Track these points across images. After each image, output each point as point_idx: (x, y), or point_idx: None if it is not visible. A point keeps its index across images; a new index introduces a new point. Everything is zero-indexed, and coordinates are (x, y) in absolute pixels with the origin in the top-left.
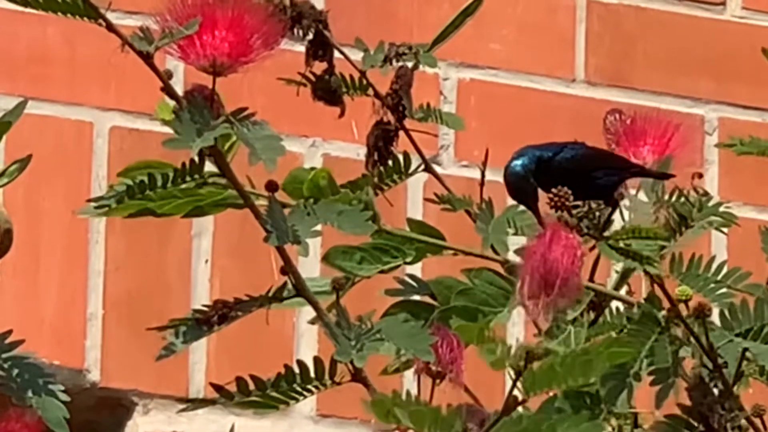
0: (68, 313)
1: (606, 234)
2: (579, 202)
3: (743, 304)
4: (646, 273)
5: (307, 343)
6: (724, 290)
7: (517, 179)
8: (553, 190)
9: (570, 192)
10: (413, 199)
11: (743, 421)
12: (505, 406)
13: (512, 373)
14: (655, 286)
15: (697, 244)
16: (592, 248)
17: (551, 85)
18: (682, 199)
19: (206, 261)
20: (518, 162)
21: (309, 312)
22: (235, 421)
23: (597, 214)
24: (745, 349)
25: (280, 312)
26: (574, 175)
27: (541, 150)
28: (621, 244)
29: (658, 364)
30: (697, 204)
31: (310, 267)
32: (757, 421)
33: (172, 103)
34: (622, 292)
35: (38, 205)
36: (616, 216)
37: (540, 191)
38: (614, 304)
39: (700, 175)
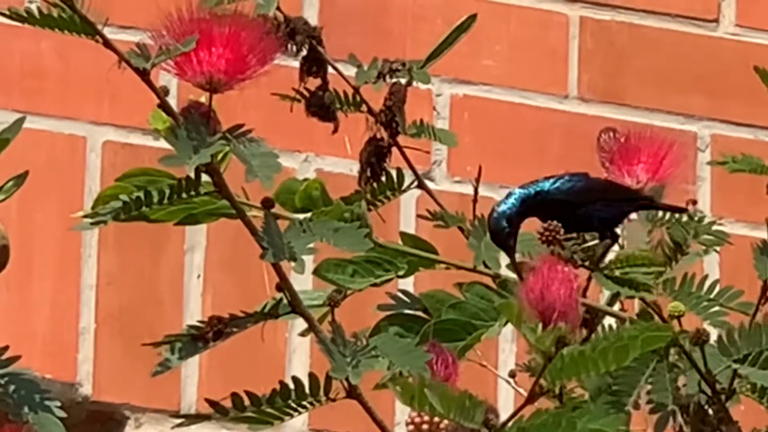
0: (60, 326)
1: (601, 265)
2: (573, 235)
3: (741, 328)
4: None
5: (299, 359)
6: (716, 308)
7: (492, 225)
8: (543, 226)
9: (560, 225)
10: (406, 215)
11: None
12: (530, 394)
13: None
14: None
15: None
16: (588, 279)
17: (544, 101)
18: (677, 224)
19: (198, 276)
20: (500, 206)
21: (301, 327)
22: None
23: (592, 247)
24: (736, 370)
25: (273, 327)
26: (568, 207)
27: (531, 186)
28: (617, 273)
29: (656, 392)
30: (692, 230)
31: (302, 279)
32: None
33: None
34: (615, 308)
35: (31, 219)
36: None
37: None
38: (607, 321)
39: (695, 202)
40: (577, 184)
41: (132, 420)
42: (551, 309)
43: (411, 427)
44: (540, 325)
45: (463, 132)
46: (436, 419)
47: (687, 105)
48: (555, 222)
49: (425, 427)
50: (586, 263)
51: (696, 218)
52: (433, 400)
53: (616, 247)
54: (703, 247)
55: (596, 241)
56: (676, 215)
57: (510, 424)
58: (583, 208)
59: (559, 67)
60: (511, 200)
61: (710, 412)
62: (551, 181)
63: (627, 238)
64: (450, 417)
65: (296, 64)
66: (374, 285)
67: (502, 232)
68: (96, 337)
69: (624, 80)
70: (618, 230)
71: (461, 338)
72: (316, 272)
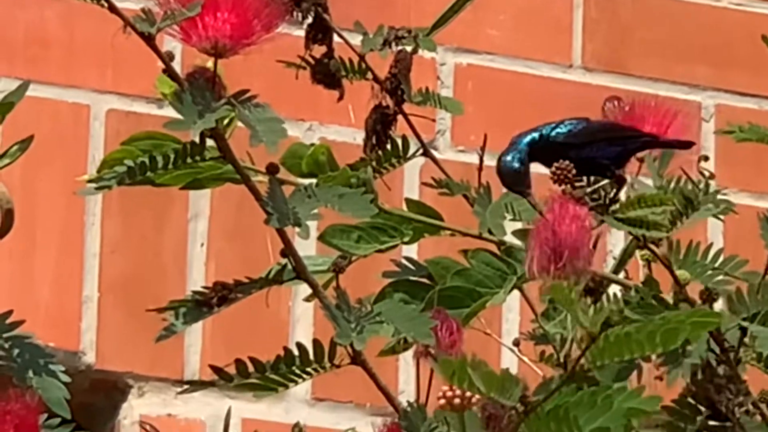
0: (63, 295)
1: (612, 208)
2: (582, 177)
3: (750, 287)
4: (646, 256)
5: (303, 327)
6: (721, 277)
7: (506, 168)
8: (555, 164)
9: (571, 165)
10: (410, 184)
11: (750, 406)
12: (571, 372)
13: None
14: (653, 269)
15: (694, 231)
16: (599, 223)
17: (548, 70)
18: (688, 183)
19: (202, 244)
20: (509, 152)
21: (305, 293)
22: (231, 405)
23: (601, 190)
24: (744, 334)
25: (276, 295)
26: (571, 149)
27: (536, 130)
28: (627, 214)
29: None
30: (703, 187)
31: (306, 246)
32: (764, 406)
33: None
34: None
35: (34, 188)
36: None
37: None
38: (611, 291)
39: (706, 158)
40: (579, 125)
41: (135, 388)
42: (563, 246)
43: (443, 400)
44: (572, 289)
45: (467, 101)
46: (468, 394)
47: (691, 75)
48: (566, 162)
49: (457, 401)
50: (596, 205)
51: (707, 174)
52: (475, 378)
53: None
54: (712, 204)
55: (605, 182)
56: (689, 175)
57: (545, 402)
58: (587, 149)
59: (564, 36)
60: (519, 146)
61: (719, 371)
62: (551, 125)
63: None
64: (490, 394)
65: (301, 33)
66: (379, 251)
67: (518, 173)
68: (99, 305)
69: (628, 50)
70: (625, 173)
71: (466, 305)
72: (321, 238)
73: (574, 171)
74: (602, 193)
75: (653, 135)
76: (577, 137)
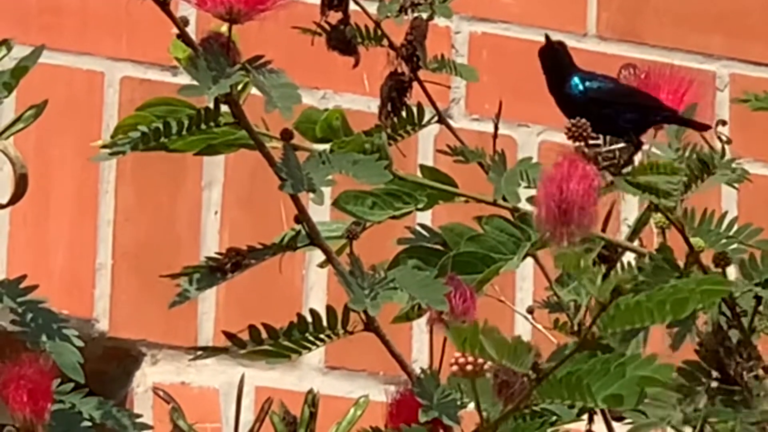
0: (77, 263)
1: (624, 171)
2: (599, 137)
3: (764, 254)
4: (660, 223)
5: (316, 294)
6: (735, 245)
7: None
8: (572, 120)
9: (588, 123)
10: (424, 152)
11: (760, 371)
12: (582, 341)
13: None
14: (667, 235)
15: (708, 199)
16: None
17: (563, 39)
18: (704, 148)
19: (216, 212)
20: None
21: (319, 260)
22: (244, 372)
23: (616, 151)
24: (758, 303)
25: (290, 262)
26: (595, 105)
27: (573, 73)
28: (639, 180)
29: None
30: (720, 152)
31: (320, 213)
32: None
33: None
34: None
35: (49, 155)
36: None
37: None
38: (625, 259)
39: (724, 123)
40: (608, 84)
41: (148, 356)
42: (568, 203)
43: (455, 367)
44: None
45: (482, 70)
46: (480, 360)
47: (706, 44)
48: (583, 119)
49: (469, 367)
50: (609, 166)
51: (724, 139)
52: (486, 345)
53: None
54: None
55: (621, 145)
56: (706, 140)
57: (557, 369)
58: (609, 109)
59: (578, 5)
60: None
61: (730, 335)
62: (584, 76)
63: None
64: (502, 361)
65: (314, 1)
66: (393, 217)
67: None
68: (113, 273)
69: (643, 19)
70: (643, 138)
71: (480, 271)
72: (335, 204)
73: (589, 129)
74: (617, 155)
75: (674, 110)
76: (604, 95)
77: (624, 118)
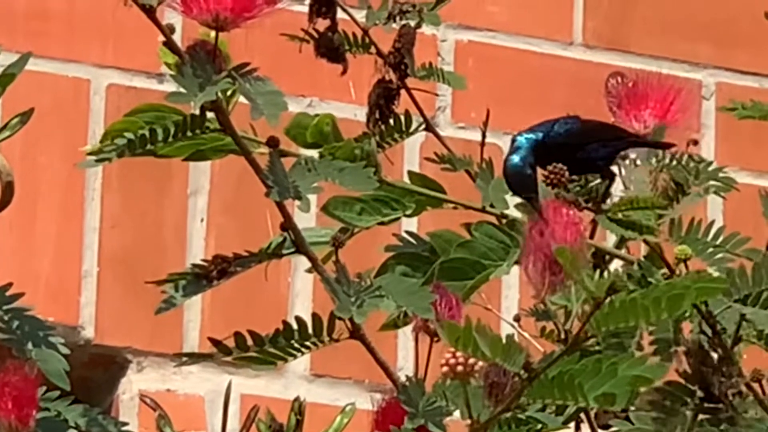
0: (63, 269)
1: (604, 207)
2: (575, 177)
3: (741, 269)
4: (646, 242)
5: (302, 301)
6: (722, 255)
7: (516, 173)
8: (549, 167)
9: (565, 168)
10: (410, 159)
11: (743, 387)
12: (574, 340)
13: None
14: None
15: (694, 209)
16: (591, 221)
17: (549, 47)
18: (679, 166)
19: (202, 220)
20: (516, 155)
21: (305, 268)
22: (231, 380)
23: (594, 188)
24: (744, 315)
25: (276, 270)
26: (568, 150)
27: (534, 132)
28: (620, 216)
29: (659, 333)
30: (693, 171)
31: (306, 221)
32: (756, 386)
33: None
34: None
35: (35, 162)
36: (616, 185)
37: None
38: (613, 267)
39: (696, 142)
40: (574, 126)
41: (134, 363)
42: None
43: (446, 368)
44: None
45: (468, 78)
46: (471, 361)
47: (692, 53)
48: (560, 165)
49: (460, 368)
50: (590, 205)
51: (696, 159)
52: (480, 343)
53: (620, 191)
54: (704, 187)
55: (597, 181)
56: (677, 158)
57: (549, 369)
58: (582, 150)
59: (565, 13)
60: (524, 149)
61: (712, 353)
62: (547, 126)
63: (632, 183)
64: (495, 359)
65: (301, 8)
66: (381, 223)
67: (529, 178)
68: (99, 280)
69: (629, 27)
70: (614, 169)
71: (470, 277)
72: (323, 209)
73: (567, 174)
74: (594, 192)
75: (637, 135)
76: (575, 138)
77: (597, 156)
